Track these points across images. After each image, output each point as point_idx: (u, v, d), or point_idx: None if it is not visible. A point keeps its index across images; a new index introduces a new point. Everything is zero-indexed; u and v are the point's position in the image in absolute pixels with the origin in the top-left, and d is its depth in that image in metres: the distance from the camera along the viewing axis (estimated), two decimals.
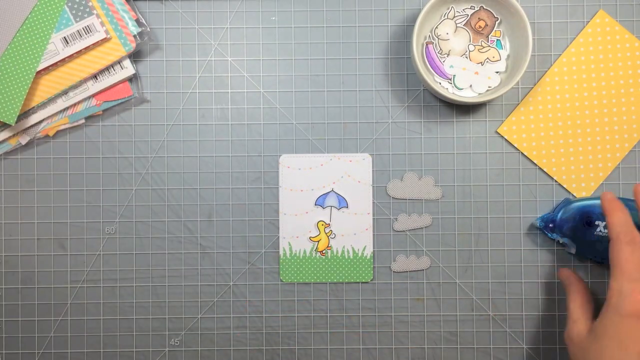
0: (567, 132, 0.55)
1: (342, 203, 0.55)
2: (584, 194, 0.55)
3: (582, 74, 0.55)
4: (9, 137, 0.55)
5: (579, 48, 0.55)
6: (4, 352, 0.56)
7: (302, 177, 0.56)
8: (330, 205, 0.55)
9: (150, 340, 0.56)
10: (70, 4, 0.53)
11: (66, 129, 0.56)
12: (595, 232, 0.52)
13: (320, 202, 0.55)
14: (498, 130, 0.55)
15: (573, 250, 0.53)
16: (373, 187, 0.56)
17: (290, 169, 0.55)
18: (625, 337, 0.44)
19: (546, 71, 0.55)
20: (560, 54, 0.55)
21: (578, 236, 0.52)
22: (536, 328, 0.56)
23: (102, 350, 0.56)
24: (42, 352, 0.56)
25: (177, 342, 0.56)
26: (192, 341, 0.56)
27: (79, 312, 0.56)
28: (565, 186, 0.55)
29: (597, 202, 0.52)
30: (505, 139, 0.55)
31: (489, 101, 0.55)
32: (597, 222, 0.52)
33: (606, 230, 0.51)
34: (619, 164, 0.55)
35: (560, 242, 0.54)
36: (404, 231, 0.56)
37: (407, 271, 0.56)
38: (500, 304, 0.56)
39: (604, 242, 0.51)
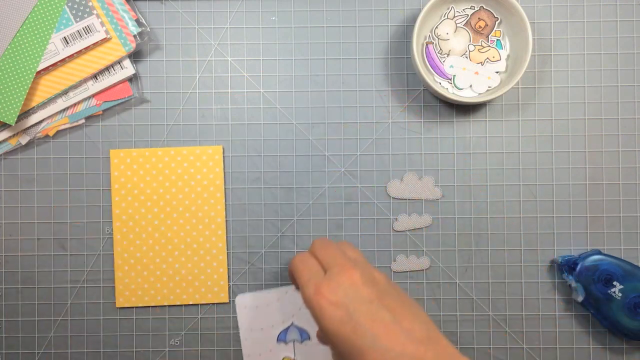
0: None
1: (304, 335, 0.54)
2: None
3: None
4: (9, 137, 0.55)
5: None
6: (4, 352, 0.56)
7: (260, 315, 0.54)
8: (293, 339, 0.54)
9: (150, 340, 0.56)
10: (70, 4, 0.53)
11: (66, 129, 0.56)
12: (609, 291, 0.52)
13: (282, 337, 0.54)
14: (118, 306, 0.55)
15: (580, 299, 0.53)
16: (373, 187, 0.56)
17: (247, 308, 0.54)
18: None
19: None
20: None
21: (591, 288, 0.52)
22: (536, 328, 0.56)
23: (102, 350, 0.56)
24: (42, 352, 0.56)
25: (177, 342, 0.56)
26: (192, 341, 0.56)
27: (79, 312, 0.56)
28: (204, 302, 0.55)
29: (623, 264, 0.52)
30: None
31: (489, 101, 0.55)
32: (615, 282, 0.52)
33: (620, 294, 0.52)
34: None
35: (572, 286, 0.53)
36: (404, 231, 0.56)
37: (407, 271, 0.56)
38: (500, 304, 0.56)
39: (612, 303, 0.52)
